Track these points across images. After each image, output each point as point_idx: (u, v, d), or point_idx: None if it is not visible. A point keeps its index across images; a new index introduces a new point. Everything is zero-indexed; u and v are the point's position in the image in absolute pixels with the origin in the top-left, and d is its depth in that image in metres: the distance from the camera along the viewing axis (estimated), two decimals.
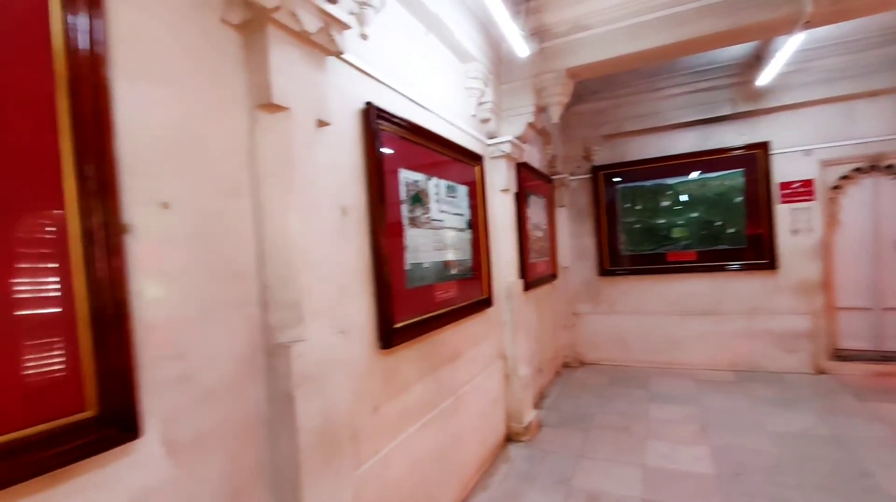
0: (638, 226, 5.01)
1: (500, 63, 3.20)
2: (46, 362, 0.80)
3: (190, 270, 1.08)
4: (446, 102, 2.56)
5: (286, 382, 1.23)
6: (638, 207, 5.01)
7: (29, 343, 0.78)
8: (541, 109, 3.26)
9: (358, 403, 1.65)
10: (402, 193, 1.98)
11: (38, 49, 0.81)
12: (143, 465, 0.97)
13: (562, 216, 5.15)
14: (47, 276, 0.81)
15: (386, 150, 1.84)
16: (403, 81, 2.09)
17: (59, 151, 0.83)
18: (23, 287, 0.78)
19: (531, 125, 3.25)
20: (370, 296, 1.76)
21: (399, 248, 1.92)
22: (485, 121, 3.05)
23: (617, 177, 5.07)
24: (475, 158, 2.82)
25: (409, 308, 1.95)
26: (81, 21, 0.86)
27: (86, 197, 0.85)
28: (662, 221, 4.90)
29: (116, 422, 0.89)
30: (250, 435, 1.22)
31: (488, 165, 3.10)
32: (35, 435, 0.78)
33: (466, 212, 2.66)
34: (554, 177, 4.95)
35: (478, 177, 2.86)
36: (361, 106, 1.75)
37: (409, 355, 2.02)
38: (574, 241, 5.29)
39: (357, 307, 1.69)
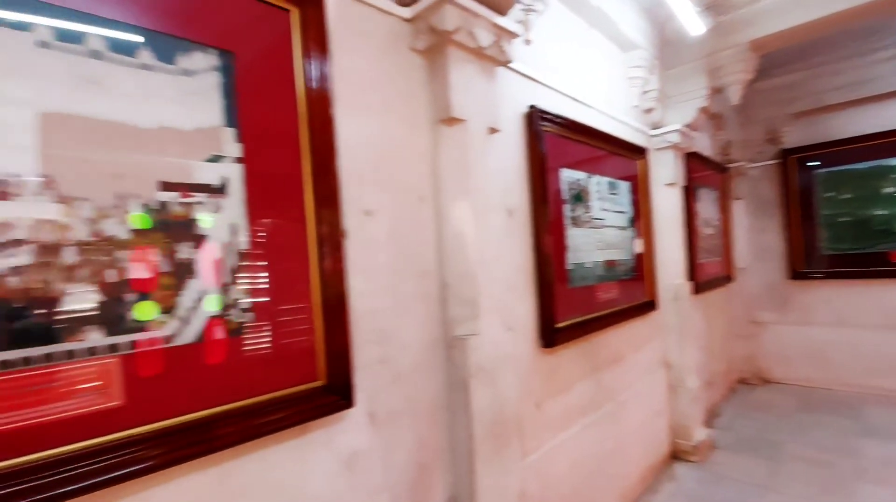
0: (845, 219, 4.10)
1: (665, 47, 2.94)
2: (298, 340, 1.02)
3: (387, 268, 1.25)
4: (607, 96, 2.46)
5: (463, 372, 1.33)
6: (845, 196, 4.09)
7: (292, 323, 1.01)
8: (716, 91, 2.91)
9: (522, 398, 1.70)
10: (564, 193, 1.97)
11: (289, 94, 1.03)
12: (354, 430, 1.16)
13: (738, 210, 4.49)
14: (298, 273, 1.03)
15: (548, 151, 1.85)
16: (564, 80, 2.07)
17: (301, 173, 1.04)
18: (285, 281, 1.00)
19: (703, 110, 2.92)
20: (533, 295, 1.80)
21: (561, 248, 1.92)
22: (648, 110, 2.84)
23: (814, 160, 4.23)
24: (638, 152, 2.65)
25: (570, 308, 1.94)
26: (314, 66, 1.07)
27: (318, 208, 1.06)
28: (882, 212, 3.92)
29: (338, 392, 1.09)
30: (432, 418, 1.36)
31: (652, 158, 2.88)
32: (291, 394, 1.00)
33: (628, 209, 2.52)
34: (729, 165, 4.35)
35: (641, 172, 2.68)
36: (525, 109, 1.79)
37: (570, 355, 2.00)
38: (754, 238, 4.58)
39: (521, 306, 1.74)
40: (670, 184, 2.94)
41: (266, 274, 0.98)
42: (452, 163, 1.35)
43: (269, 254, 0.98)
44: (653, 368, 2.82)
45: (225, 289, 0.92)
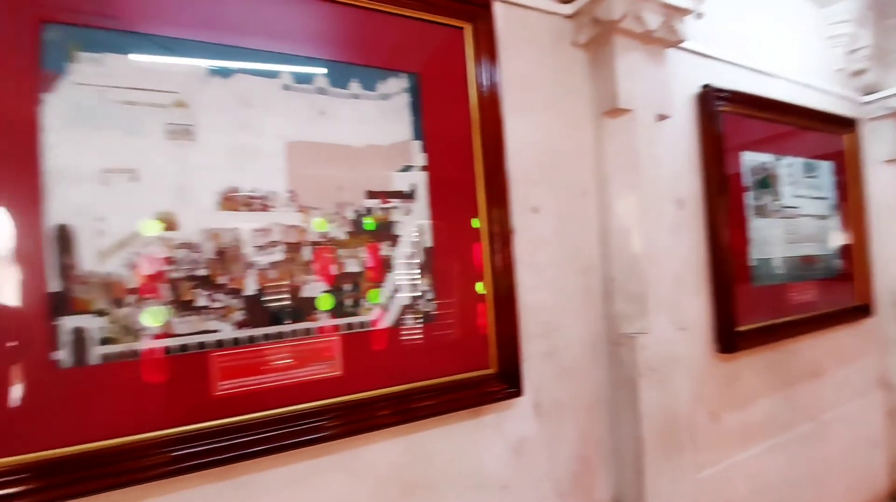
0: None
1: None
2: (473, 330, 1.12)
3: (551, 264, 1.28)
4: (799, 62, 2.09)
5: (631, 370, 1.29)
6: None
7: (467, 314, 1.11)
8: None
9: (696, 406, 1.57)
10: (746, 179, 1.74)
11: (463, 104, 1.13)
12: (521, 418, 1.22)
13: None
14: (472, 268, 1.12)
15: (725, 133, 1.66)
16: (742, 51, 1.83)
17: (474, 175, 1.13)
18: (462, 275, 1.11)
19: None
20: (707, 294, 1.64)
21: (742, 242, 1.71)
22: (858, 73, 2.33)
23: None
24: (843, 124, 2.19)
25: (754, 309, 1.71)
26: (485, 75, 1.14)
27: (490, 207, 1.13)
28: None
29: (507, 380, 1.15)
30: (595, 414, 1.35)
31: (865, 130, 2.35)
32: (467, 379, 1.10)
33: (831, 193, 2.11)
34: None
35: (848, 148, 2.22)
36: (697, 90, 1.64)
37: (753, 364, 1.77)
38: None
39: (693, 305, 1.60)
40: (891, 161, 2.37)
41: (446, 268, 1.09)
42: (618, 155, 1.31)
43: (449, 251, 1.09)
44: (866, 388, 2.32)
45: (414, 281, 1.05)
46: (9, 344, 0.72)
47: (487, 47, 1.14)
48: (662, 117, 1.37)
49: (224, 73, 0.89)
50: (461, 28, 1.13)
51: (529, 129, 1.25)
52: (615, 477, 1.36)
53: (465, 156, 1.12)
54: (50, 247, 0.75)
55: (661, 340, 1.32)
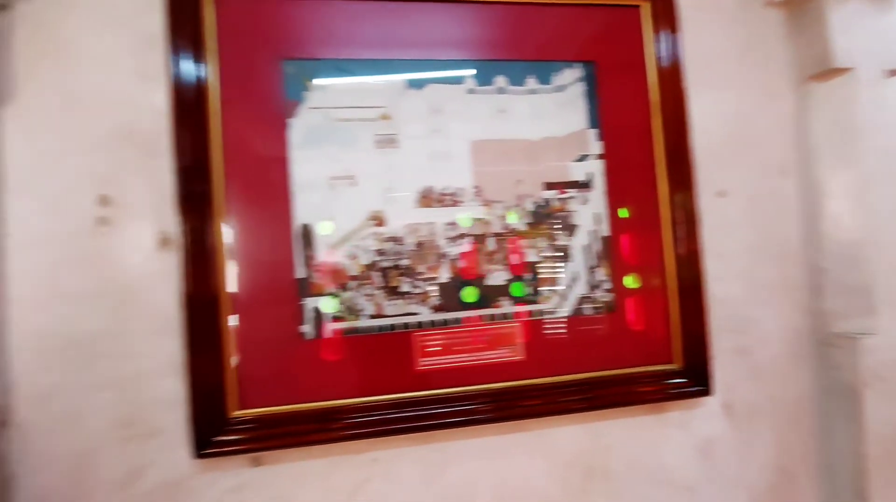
0: None
1: None
2: (654, 321, 1.08)
3: (742, 252, 1.16)
4: None
5: (849, 377, 1.11)
6: None
7: (648, 305, 1.08)
8: None
9: None
10: None
11: (641, 85, 1.09)
12: (709, 418, 1.13)
13: None
14: (653, 256, 1.08)
15: None
16: None
17: (654, 160, 1.08)
18: (642, 264, 1.08)
19: None
20: None
21: None
22: None
23: None
24: None
25: None
26: (664, 53, 1.08)
27: (672, 192, 1.07)
28: None
29: (693, 377, 1.08)
30: (797, 421, 1.19)
31: None
32: (648, 372, 1.06)
33: None
34: None
35: None
36: None
37: None
38: None
39: None
40: None
41: (624, 257, 1.06)
42: (830, 124, 1.13)
43: (627, 240, 1.07)
44: None
45: (591, 271, 1.05)
46: (273, 318, 0.92)
47: (667, 23, 1.07)
48: (892, 73, 1.13)
49: (418, 84, 1.00)
50: (637, 6, 1.08)
51: (716, 106, 1.14)
52: (826, 496, 1.18)
53: (644, 141, 1.08)
54: (297, 242, 0.94)
55: (894, 344, 1.10)
